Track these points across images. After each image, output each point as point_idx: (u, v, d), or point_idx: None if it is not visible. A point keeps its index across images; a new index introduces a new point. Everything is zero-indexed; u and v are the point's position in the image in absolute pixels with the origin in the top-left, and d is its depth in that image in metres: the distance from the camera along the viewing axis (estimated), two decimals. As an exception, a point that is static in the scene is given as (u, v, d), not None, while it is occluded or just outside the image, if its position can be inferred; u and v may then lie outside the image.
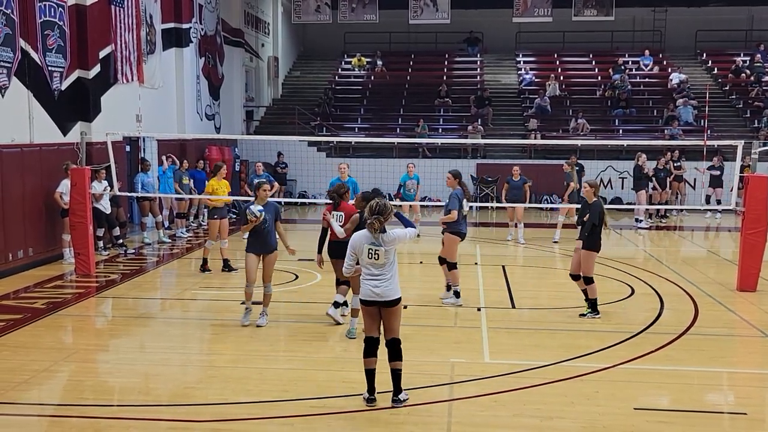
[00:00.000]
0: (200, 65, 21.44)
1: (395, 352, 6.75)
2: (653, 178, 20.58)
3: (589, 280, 9.89)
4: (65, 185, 13.13)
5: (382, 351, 6.79)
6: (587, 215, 9.82)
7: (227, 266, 12.91)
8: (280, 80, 30.12)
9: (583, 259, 9.87)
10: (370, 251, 6.71)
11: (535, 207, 21.30)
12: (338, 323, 9.40)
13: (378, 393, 6.78)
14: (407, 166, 16.86)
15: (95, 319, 10.33)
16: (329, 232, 9.40)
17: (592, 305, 9.95)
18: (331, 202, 9.55)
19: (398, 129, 26.34)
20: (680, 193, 22.00)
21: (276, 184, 17.39)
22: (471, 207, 21.57)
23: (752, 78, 27.76)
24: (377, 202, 6.80)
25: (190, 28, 20.51)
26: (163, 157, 17.14)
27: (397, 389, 6.76)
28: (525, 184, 16.60)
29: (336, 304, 9.48)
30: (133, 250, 15.14)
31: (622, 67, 28.75)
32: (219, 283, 12.30)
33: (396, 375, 6.75)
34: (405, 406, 6.71)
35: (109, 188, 14.11)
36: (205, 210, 15.38)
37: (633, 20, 30.79)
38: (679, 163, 21.67)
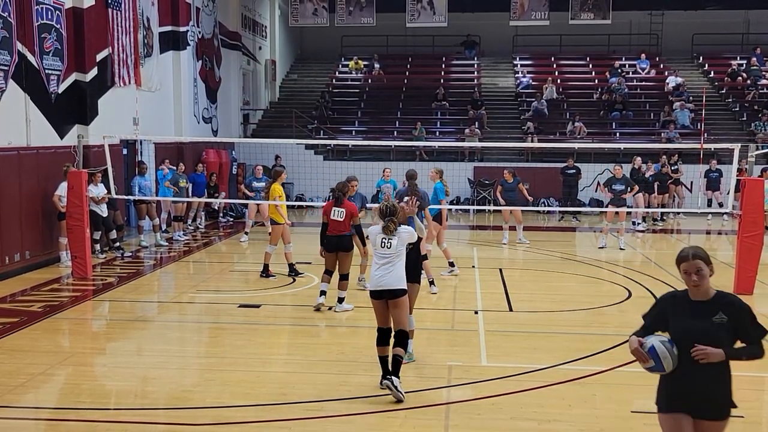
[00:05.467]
0: (197, 68, 21.44)
1: (401, 341, 6.96)
2: (652, 182, 20.63)
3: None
4: (64, 188, 13.10)
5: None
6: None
7: (293, 271, 12.64)
8: (277, 83, 30.12)
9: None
10: (384, 240, 7.06)
11: (533, 210, 21.32)
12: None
13: (374, 396, 6.79)
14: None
15: (92, 322, 10.31)
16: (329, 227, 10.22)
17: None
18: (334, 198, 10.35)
19: (395, 132, 26.34)
20: (678, 196, 22.04)
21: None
22: (469, 210, 21.75)
23: (749, 81, 27.83)
24: (386, 204, 7.13)
25: (188, 31, 20.51)
26: (163, 165, 17.15)
27: (395, 374, 6.85)
28: (519, 184, 16.74)
29: (340, 299, 10.21)
30: (130, 253, 15.12)
31: (619, 71, 28.81)
32: (216, 286, 12.30)
33: (396, 360, 6.89)
34: (402, 408, 6.70)
35: (106, 191, 14.09)
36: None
37: (630, 24, 30.87)
38: (676, 167, 21.72)
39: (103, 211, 14.32)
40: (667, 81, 28.11)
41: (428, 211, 11.45)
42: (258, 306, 10.71)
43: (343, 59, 31.65)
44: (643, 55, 29.85)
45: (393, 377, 6.81)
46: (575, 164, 21.61)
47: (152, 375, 7.80)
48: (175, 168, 17.15)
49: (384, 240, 7.04)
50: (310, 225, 19.35)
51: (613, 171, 16.61)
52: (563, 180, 21.45)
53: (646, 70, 29.59)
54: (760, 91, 27.07)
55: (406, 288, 7.05)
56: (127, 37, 16.99)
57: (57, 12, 14.31)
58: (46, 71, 14.00)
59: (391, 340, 7.02)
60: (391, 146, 23.60)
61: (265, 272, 12.62)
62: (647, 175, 20.52)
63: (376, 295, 7.03)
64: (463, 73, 31.07)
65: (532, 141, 24.24)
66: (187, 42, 20.43)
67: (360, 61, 30.83)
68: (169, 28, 19.65)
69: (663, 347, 4.15)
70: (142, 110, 17.53)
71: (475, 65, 31.26)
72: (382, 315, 7.05)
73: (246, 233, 17.28)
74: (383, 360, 6.99)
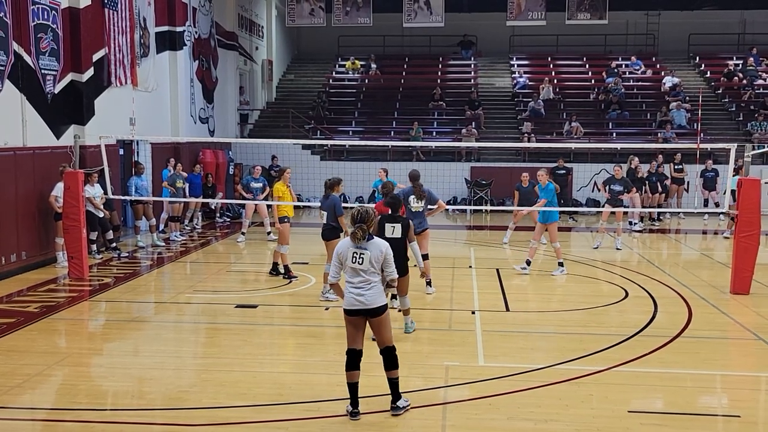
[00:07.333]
0: (194, 68, 21.41)
1: (390, 360, 6.58)
2: (646, 182, 20.66)
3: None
4: (60, 188, 13.07)
5: (370, 359, 6.79)
6: None
7: (283, 271, 12.57)
8: (274, 83, 30.11)
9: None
10: (355, 255, 6.49)
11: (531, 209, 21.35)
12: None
13: (372, 396, 6.78)
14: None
15: (89, 323, 10.29)
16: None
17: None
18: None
19: (392, 132, 26.35)
20: (678, 196, 22.04)
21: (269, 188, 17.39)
22: (466, 210, 21.79)
23: (745, 81, 27.89)
24: (359, 210, 6.60)
25: (184, 31, 20.49)
26: (169, 165, 17.14)
27: (396, 396, 6.65)
28: (535, 187, 16.88)
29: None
30: (127, 254, 15.10)
31: (616, 71, 28.84)
32: (213, 286, 12.28)
33: (393, 383, 6.61)
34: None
35: (102, 192, 14.08)
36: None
37: (626, 24, 30.93)
38: (680, 166, 21.74)
39: (99, 211, 14.29)
40: (663, 81, 28.14)
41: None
42: (255, 306, 10.70)
43: (339, 59, 31.65)
44: (633, 58, 29.94)
45: (397, 402, 6.60)
46: (566, 165, 21.64)
47: (149, 375, 7.79)
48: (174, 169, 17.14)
49: (355, 254, 6.46)
50: (307, 225, 19.35)
51: (613, 171, 16.63)
52: (553, 180, 21.47)
53: (640, 70, 29.63)
54: (756, 91, 27.11)
55: (387, 303, 6.59)
56: (123, 37, 16.96)
57: (53, 12, 14.28)
58: (43, 71, 13.97)
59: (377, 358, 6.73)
60: (388, 146, 23.61)
61: (286, 273, 12.52)
62: (642, 176, 20.55)
63: (352, 312, 6.50)
64: (460, 73, 31.09)
65: (528, 141, 24.25)
66: (183, 42, 20.40)
67: (357, 61, 30.82)
68: (165, 28, 19.62)
69: None
70: (138, 110, 17.50)
71: (472, 65, 31.27)
72: (354, 334, 6.52)
73: (243, 234, 17.27)
74: (352, 387, 6.51)
